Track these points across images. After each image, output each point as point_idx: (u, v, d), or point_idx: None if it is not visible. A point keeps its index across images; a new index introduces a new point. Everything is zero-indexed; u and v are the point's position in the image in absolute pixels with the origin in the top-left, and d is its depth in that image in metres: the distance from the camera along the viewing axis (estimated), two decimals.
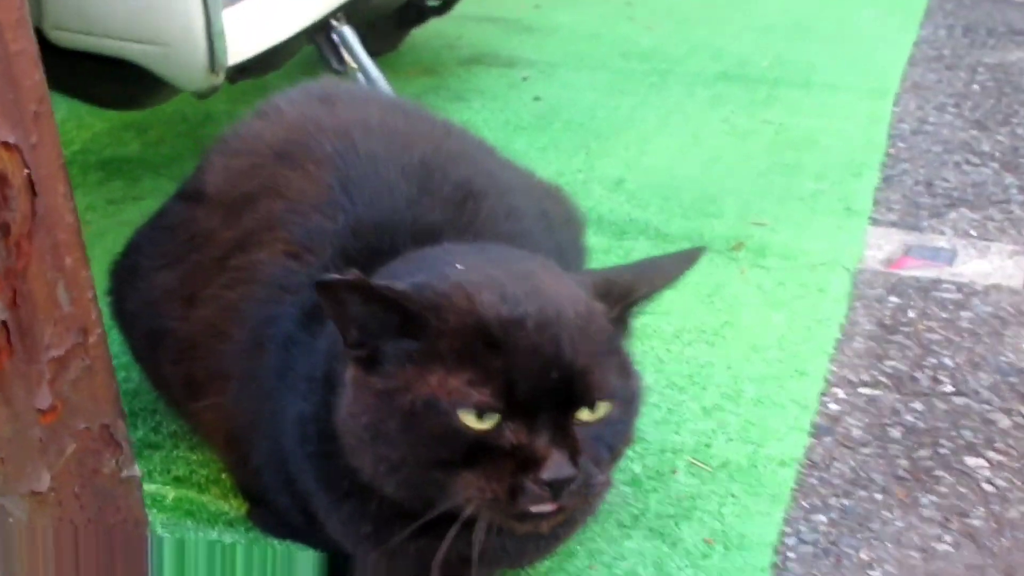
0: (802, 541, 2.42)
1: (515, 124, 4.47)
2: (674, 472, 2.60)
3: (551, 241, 2.20)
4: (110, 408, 1.83)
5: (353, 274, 1.52)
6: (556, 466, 1.52)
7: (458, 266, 1.63)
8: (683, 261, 1.79)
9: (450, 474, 1.56)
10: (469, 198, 2.00)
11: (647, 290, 1.71)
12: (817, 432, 2.72)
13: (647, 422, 2.74)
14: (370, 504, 1.72)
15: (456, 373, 1.53)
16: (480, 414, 1.53)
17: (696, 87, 4.99)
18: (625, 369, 1.70)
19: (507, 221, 2.05)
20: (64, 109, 4.11)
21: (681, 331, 3.17)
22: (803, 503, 2.47)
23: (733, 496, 2.54)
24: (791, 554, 2.38)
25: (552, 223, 2.34)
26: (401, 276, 1.63)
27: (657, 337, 3.13)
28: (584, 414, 1.58)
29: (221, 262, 2.04)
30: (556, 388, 1.53)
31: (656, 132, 4.49)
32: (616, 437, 1.65)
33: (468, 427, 1.52)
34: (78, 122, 4.38)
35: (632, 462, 2.62)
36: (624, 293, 1.69)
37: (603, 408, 1.60)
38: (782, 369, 2.94)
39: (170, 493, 2.34)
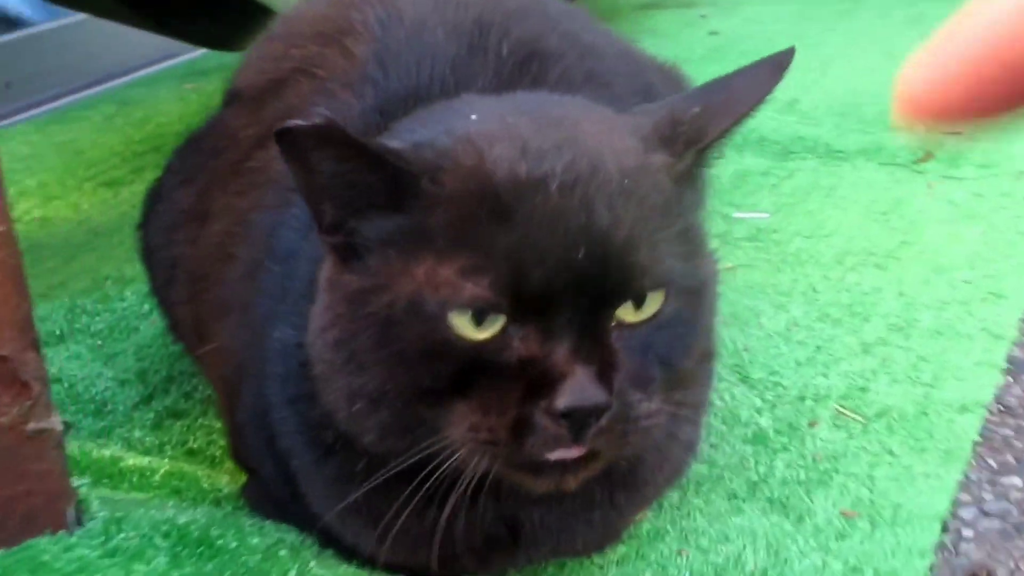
0: (984, 513, 1.77)
1: (686, 57, 3.93)
2: (812, 425, 1.95)
3: None
4: (13, 335, 1.40)
5: (322, 117, 1.16)
6: (577, 389, 1.14)
7: (473, 117, 1.27)
8: (767, 71, 1.31)
9: (440, 408, 1.21)
10: (534, 58, 1.63)
11: (724, 125, 1.26)
12: (1014, 368, 2.12)
13: (786, 363, 2.17)
14: (358, 463, 1.35)
15: (449, 259, 1.16)
16: (477, 316, 1.16)
17: (893, 9, 4.61)
18: (692, 246, 1.27)
19: (586, 86, 1.64)
20: None
21: (844, 255, 2.59)
22: (989, 461, 1.89)
23: (891, 454, 1.89)
24: (967, 531, 1.74)
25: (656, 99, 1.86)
26: (402, 135, 1.29)
27: (812, 263, 2.56)
28: (626, 312, 1.19)
29: (237, 166, 1.74)
30: (584, 274, 1.15)
31: (839, 55, 4.09)
32: (674, 345, 1.24)
33: (462, 337, 1.16)
34: None
35: (759, 414, 2.00)
36: (695, 135, 1.26)
37: (654, 302, 1.20)
38: (971, 292, 2.37)
39: (162, 467, 1.85)
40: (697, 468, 1.84)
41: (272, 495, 1.64)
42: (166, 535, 1.46)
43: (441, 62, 1.57)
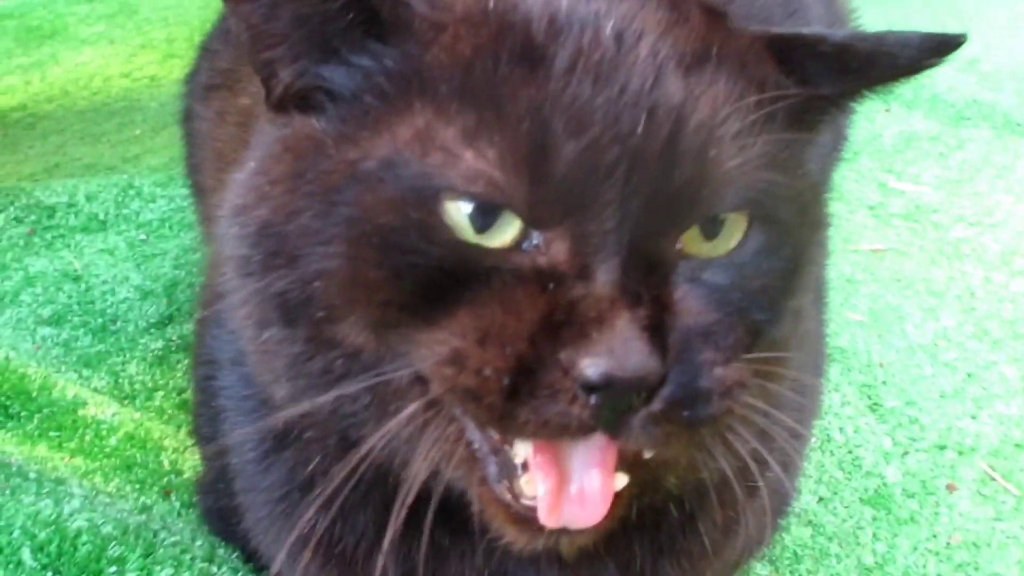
0: None
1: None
2: (952, 489, 1.34)
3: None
4: None
5: None
6: (619, 346, 0.66)
7: None
8: (926, 44, 0.79)
9: (402, 329, 0.72)
10: None
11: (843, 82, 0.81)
12: None
13: (927, 393, 1.56)
14: (310, 465, 0.88)
15: (448, 115, 0.71)
16: (480, 214, 0.70)
17: None
18: (796, 178, 0.79)
19: None
20: None
21: (1013, 253, 1.96)
22: None
23: None
24: None
25: None
26: None
27: (974, 258, 1.95)
28: (694, 240, 0.73)
29: None
30: (642, 160, 0.69)
31: None
32: (759, 296, 0.76)
33: (453, 234, 0.70)
34: None
35: (886, 461, 1.43)
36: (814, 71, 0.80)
37: (734, 230, 0.75)
38: None
39: (124, 427, 1.39)
40: (797, 532, 1.28)
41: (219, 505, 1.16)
42: (40, 548, 1.04)
43: None
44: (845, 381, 1.56)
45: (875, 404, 1.53)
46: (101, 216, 1.90)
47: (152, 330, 1.62)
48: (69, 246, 1.82)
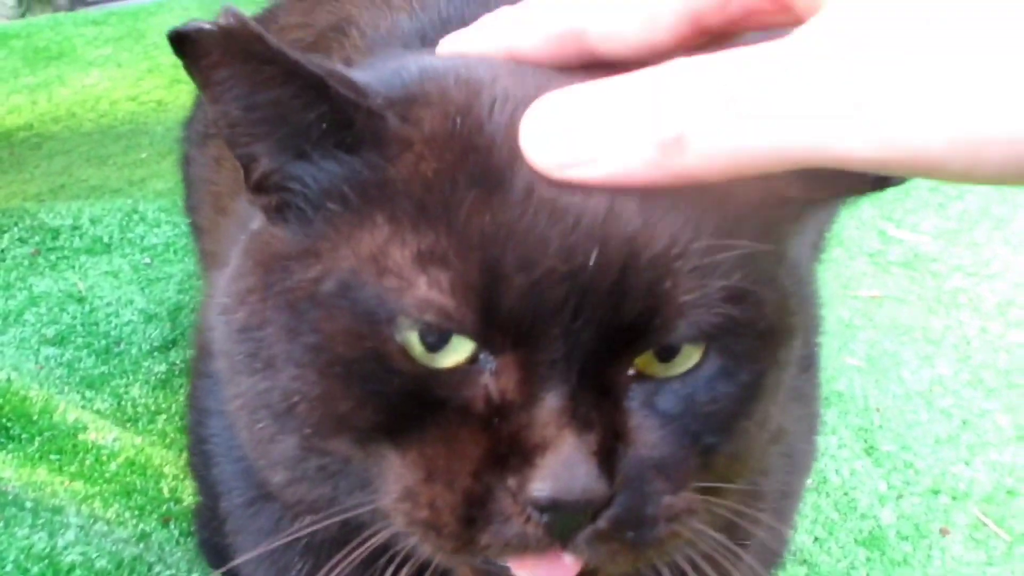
0: None
1: None
2: (945, 533, 1.33)
3: None
4: None
5: (232, 15, 0.68)
6: (563, 469, 0.65)
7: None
8: None
9: (369, 450, 0.72)
10: None
11: None
12: None
13: (923, 438, 1.58)
14: (298, 518, 0.83)
15: (405, 234, 0.70)
16: (431, 336, 0.69)
17: None
18: (760, 277, 0.74)
19: None
20: None
21: (1009, 305, 1.97)
22: None
23: None
24: None
25: None
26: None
27: (971, 308, 1.96)
28: (648, 362, 0.71)
29: None
30: (593, 292, 0.67)
31: None
32: (714, 418, 0.74)
33: (407, 355, 0.69)
34: None
35: (881, 504, 1.45)
36: None
37: (695, 353, 0.72)
38: None
39: (124, 452, 1.39)
40: (793, 571, 1.30)
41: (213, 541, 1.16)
42: None
43: None
44: (842, 424, 1.58)
45: (871, 448, 1.54)
46: (106, 239, 1.90)
47: (156, 353, 1.61)
48: (73, 267, 1.81)
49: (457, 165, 0.69)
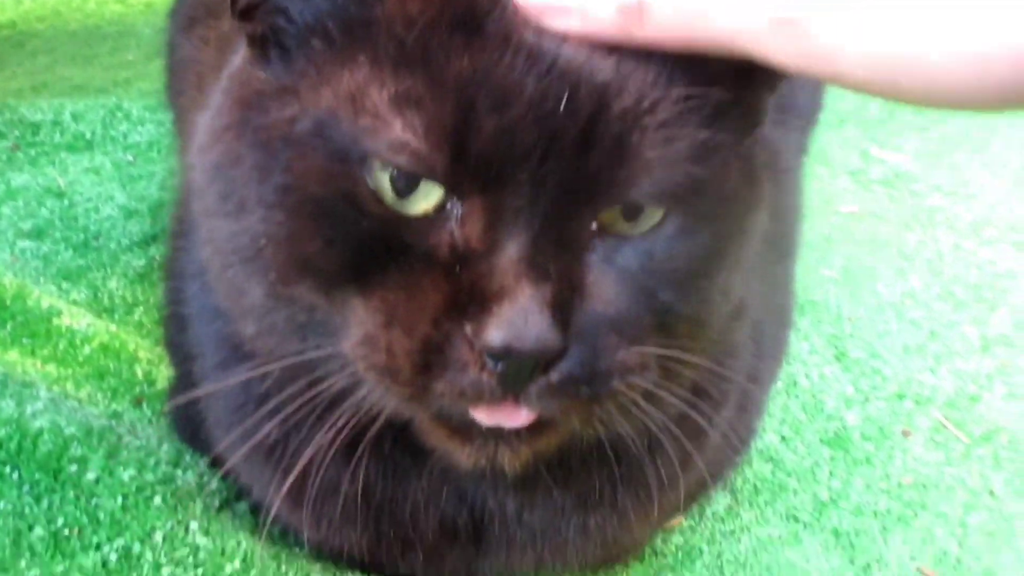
0: None
1: None
2: (907, 434, 1.38)
3: None
4: None
5: None
6: (517, 317, 0.68)
7: None
8: None
9: (334, 296, 0.75)
10: None
11: None
12: None
13: (892, 347, 1.61)
14: (267, 379, 0.86)
15: (384, 75, 0.71)
16: (402, 181, 0.71)
17: None
18: (723, 148, 0.76)
19: None
20: None
21: (983, 224, 2.01)
22: None
23: (992, 495, 1.35)
24: None
25: None
26: None
27: (946, 226, 2.00)
28: (612, 217, 0.74)
29: None
30: (561, 137, 0.69)
31: None
32: (675, 277, 0.77)
33: (378, 199, 0.72)
34: None
35: (847, 406, 1.47)
36: None
37: (657, 214, 0.75)
38: None
39: (98, 337, 1.39)
40: (758, 467, 1.32)
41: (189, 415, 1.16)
42: None
43: None
44: (815, 332, 1.60)
45: (841, 354, 1.56)
46: (88, 136, 1.90)
47: (135, 248, 1.61)
48: (53, 163, 1.81)
49: (441, 6, 0.70)
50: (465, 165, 0.69)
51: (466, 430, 0.77)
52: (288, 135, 0.74)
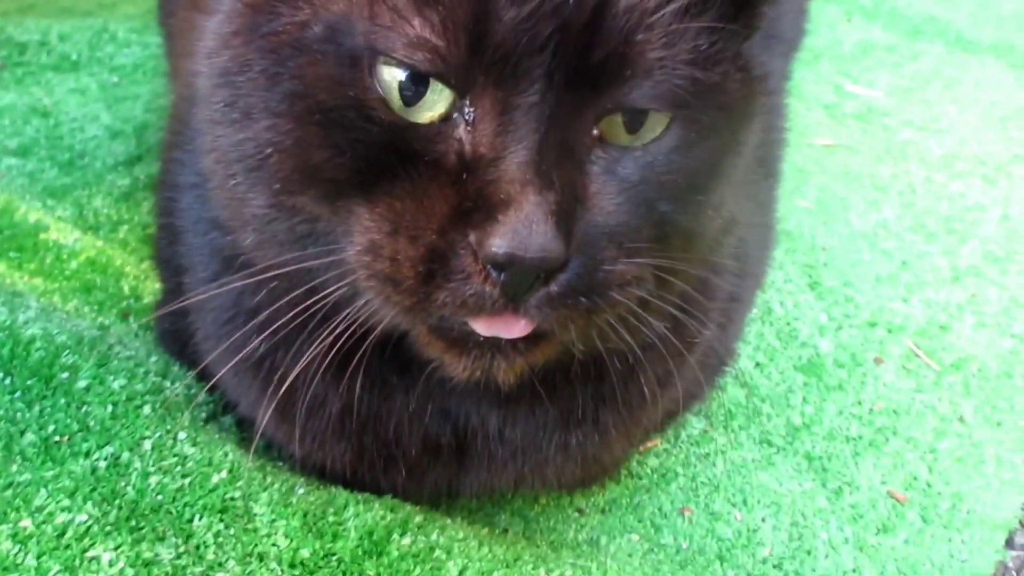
0: None
1: None
2: (879, 362, 1.39)
3: None
4: None
5: None
6: (522, 226, 0.67)
7: None
8: None
9: (339, 205, 0.74)
10: None
11: None
12: None
13: (864, 276, 1.62)
14: (259, 292, 0.87)
15: None
16: (414, 78, 0.69)
17: None
18: (724, 55, 0.76)
19: None
20: None
21: (953, 158, 2.03)
22: None
23: (962, 421, 1.38)
24: None
25: None
26: None
27: (918, 159, 2.01)
28: (614, 128, 0.72)
29: None
30: (568, 44, 0.68)
31: None
32: (672, 189, 0.75)
33: (387, 106, 0.70)
34: None
35: (820, 334, 1.49)
36: None
37: (659, 125, 0.74)
38: None
39: (86, 252, 1.39)
40: (733, 392, 1.34)
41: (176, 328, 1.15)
42: None
43: None
44: (789, 261, 1.61)
45: (815, 283, 1.57)
46: (73, 57, 1.86)
47: (120, 167, 1.58)
48: (39, 83, 1.78)
49: None
50: (481, 59, 0.68)
51: (463, 341, 0.76)
52: (299, 41, 0.73)
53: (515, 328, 0.73)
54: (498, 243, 0.67)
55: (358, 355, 0.82)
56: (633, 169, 0.73)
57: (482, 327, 0.73)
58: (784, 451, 1.26)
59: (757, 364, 1.40)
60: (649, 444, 1.22)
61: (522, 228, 0.67)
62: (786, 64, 1.47)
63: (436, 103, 0.70)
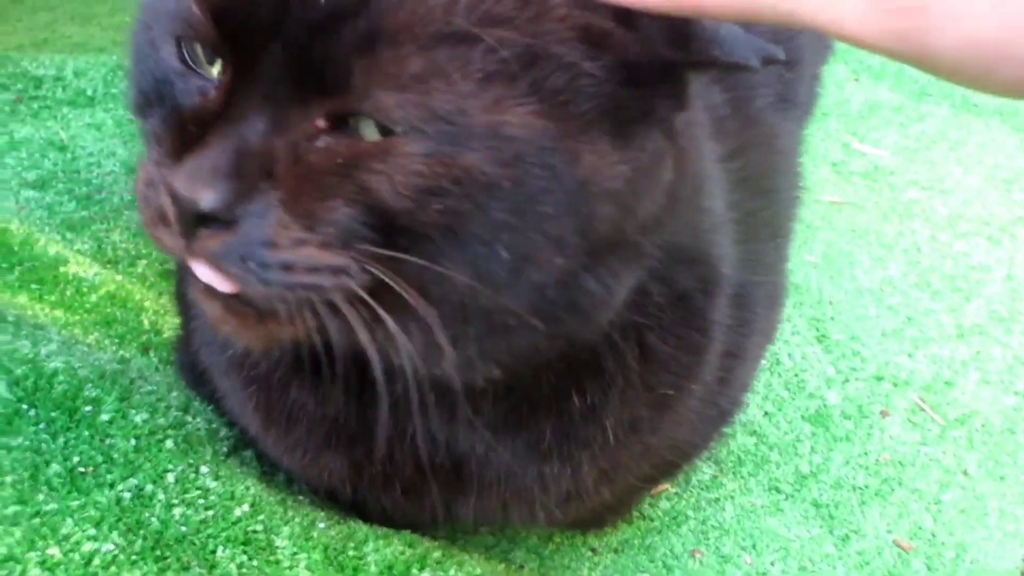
0: None
1: None
2: (885, 415, 1.40)
3: None
4: None
5: None
6: (194, 167, 0.69)
7: None
8: None
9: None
10: None
11: None
12: None
13: (870, 331, 1.66)
14: None
15: None
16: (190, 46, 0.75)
17: None
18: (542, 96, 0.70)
19: None
20: None
21: (958, 218, 2.06)
22: None
23: (965, 475, 1.41)
24: None
25: None
26: None
27: (923, 218, 2.04)
28: (362, 123, 0.70)
29: None
30: (298, 29, 0.68)
31: None
32: (389, 192, 0.70)
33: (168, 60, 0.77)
34: None
35: (828, 386, 1.52)
36: None
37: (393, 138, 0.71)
38: None
39: (105, 286, 1.41)
40: (742, 440, 1.36)
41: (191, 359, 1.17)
42: (16, 382, 1.05)
43: None
44: (797, 314, 1.64)
45: (822, 336, 1.61)
46: (89, 92, 1.89)
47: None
48: (56, 117, 1.81)
49: None
50: (225, 28, 0.70)
51: (202, 286, 0.75)
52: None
53: (206, 274, 0.73)
54: (175, 174, 0.69)
55: (326, 361, 0.80)
56: (343, 161, 0.71)
57: (194, 268, 0.74)
58: (792, 498, 1.29)
59: (766, 413, 1.43)
60: (660, 488, 1.25)
61: (193, 168, 0.68)
62: (800, 127, 1.51)
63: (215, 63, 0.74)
